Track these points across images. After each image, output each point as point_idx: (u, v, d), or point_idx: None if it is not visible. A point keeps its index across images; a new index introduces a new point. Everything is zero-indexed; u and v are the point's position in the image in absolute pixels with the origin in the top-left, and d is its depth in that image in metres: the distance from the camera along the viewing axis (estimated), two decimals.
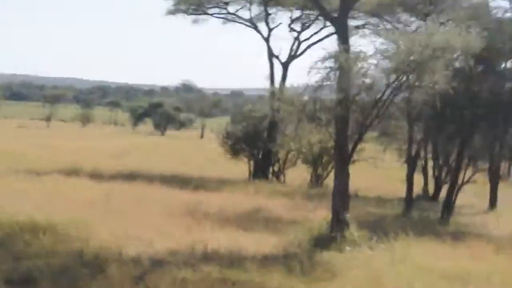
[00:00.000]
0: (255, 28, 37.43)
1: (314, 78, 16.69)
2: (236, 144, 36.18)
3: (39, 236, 14.23)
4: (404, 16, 33.21)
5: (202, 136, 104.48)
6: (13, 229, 14.58)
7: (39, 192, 21.00)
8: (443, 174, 31.79)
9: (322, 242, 15.74)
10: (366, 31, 34.26)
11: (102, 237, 14.64)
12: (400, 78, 16.81)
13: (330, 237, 15.98)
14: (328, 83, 16.74)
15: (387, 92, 17.06)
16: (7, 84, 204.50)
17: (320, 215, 18.87)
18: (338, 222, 16.55)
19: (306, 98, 17.38)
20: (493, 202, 31.47)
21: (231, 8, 38.09)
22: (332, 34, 30.00)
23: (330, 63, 16.58)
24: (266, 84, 36.23)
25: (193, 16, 38.46)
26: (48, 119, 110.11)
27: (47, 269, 11.72)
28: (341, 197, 16.99)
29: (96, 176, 27.16)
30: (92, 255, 12.90)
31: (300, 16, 37.34)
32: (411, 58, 16.38)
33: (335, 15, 17.98)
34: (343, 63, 16.26)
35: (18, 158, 33.15)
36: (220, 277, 12.10)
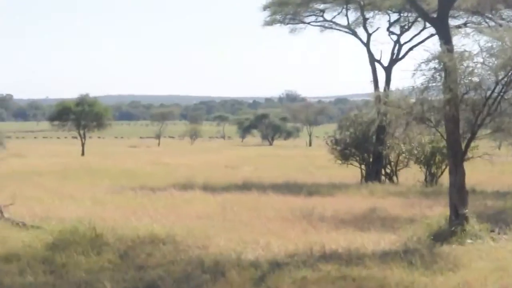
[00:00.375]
0: (354, 34, 37.22)
1: (419, 80, 16.57)
2: (346, 150, 36.11)
3: (160, 247, 14.66)
4: (507, 12, 32.48)
5: (310, 144, 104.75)
6: (134, 242, 15.06)
7: (156, 207, 21.61)
8: None
9: (442, 236, 15.55)
10: (468, 30, 33.50)
11: (220, 245, 14.95)
12: (509, 74, 16.51)
13: (450, 232, 15.78)
14: (434, 84, 16.61)
15: (497, 89, 16.77)
16: (116, 105, 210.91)
17: (437, 212, 18.67)
18: (457, 217, 16.34)
19: (413, 100, 17.24)
20: None
21: (327, 15, 37.99)
22: (433, 35, 29.64)
23: (434, 64, 16.42)
24: (370, 88, 35.95)
25: (290, 26, 38.62)
26: (158, 137, 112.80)
27: (169, 277, 12.08)
28: (459, 193, 16.75)
29: (210, 188, 27.71)
30: (212, 261, 13.19)
31: (399, 18, 36.94)
32: None
33: (434, 15, 17.80)
34: (448, 63, 16.08)
35: (133, 176, 34.21)
36: (340, 275, 12.19)
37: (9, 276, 12.21)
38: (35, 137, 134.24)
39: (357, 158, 36.04)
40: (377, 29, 36.84)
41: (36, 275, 12.35)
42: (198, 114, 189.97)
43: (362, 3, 36.15)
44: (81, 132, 72.91)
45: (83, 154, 66.36)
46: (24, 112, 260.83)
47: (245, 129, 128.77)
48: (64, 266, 13.02)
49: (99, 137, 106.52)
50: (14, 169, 34.97)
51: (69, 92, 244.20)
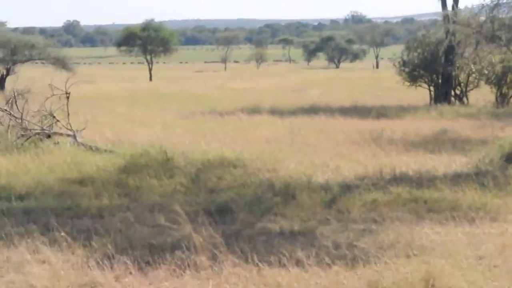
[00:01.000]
0: None
1: None
2: (414, 71, 35.60)
3: (230, 170, 14.82)
4: None
5: (377, 66, 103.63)
6: (205, 165, 15.22)
7: (225, 130, 21.77)
8: None
9: None
10: None
11: (290, 168, 15.04)
12: None
13: None
14: (505, 1, 16.11)
15: None
16: (181, 30, 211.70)
17: (510, 133, 18.45)
18: None
19: (482, 18, 16.76)
20: None
21: None
22: None
23: None
24: (438, 8, 35.05)
25: None
26: (223, 61, 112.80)
27: (241, 199, 12.20)
28: None
29: (277, 112, 27.71)
30: (282, 184, 13.28)
31: None
32: None
33: None
34: None
35: (201, 101, 34.45)
36: (411, 197, 12.18)
37: (86, 199, 12.52)
38: (99, 63, 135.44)
39: (426, 80, 35.52)
40: None
41: (111, 198, 12.63)
42: (263, 37, 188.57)
43: None
44: (148, 57, 73.29)
45: (150, 79, 66.96)
46: (91, 38, 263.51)
47: (310, 52, 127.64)
48: (138, 189, 13.29)
49: (164, 63, 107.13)
50: (84, 95, 35.41)
51: (134, 17, 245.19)
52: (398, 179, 13.72)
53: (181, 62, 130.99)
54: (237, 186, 13.48)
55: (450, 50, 32.40)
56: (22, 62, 48.96)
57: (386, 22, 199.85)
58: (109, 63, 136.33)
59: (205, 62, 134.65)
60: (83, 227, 10.91)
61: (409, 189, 12.64)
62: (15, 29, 78.95)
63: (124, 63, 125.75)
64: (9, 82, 40.85)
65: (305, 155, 16.53)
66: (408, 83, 35.95)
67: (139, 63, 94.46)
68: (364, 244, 9.50)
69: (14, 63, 47.61)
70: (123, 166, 15.13)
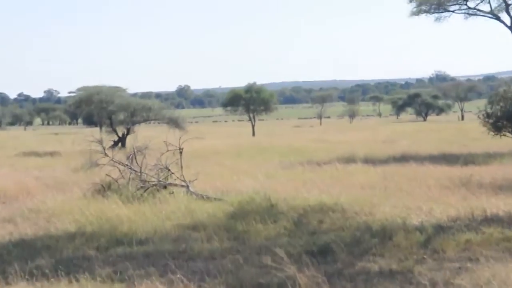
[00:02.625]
0: (497, 18, 35.46)
1: None
2: (498, 122, 34.65)
3: (329, 214, 14.59)
4: None
5: (462, 118, 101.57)
6: (306, 210, 15.06)
7: (323, 179, 21.50)
8: None
9: None
10: None
11: (385, 211, 14.68)
12: None
13: None
14: None
15: None
16: (280, 91, 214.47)
17: None
18: None
19: None
20: None
21: (471, 3, 36.50)
22: None
23: None
24: None
25: (435, 15, 37.33)
26: (319, 116, 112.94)
27: (340, 241, 11.93)
28: None
29: (370, 161, 27.27)
30: (379, 226, 12.97)
31: None
32: None
33: None
34: None
35: (300, 152, 34.32)
36: (503, 237, 11.69)
37: (199, 242, 12.51)
38: (196, 122, 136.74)
39: (510, 129, 34.46)
40: None
41: (221, 241, 12.58)
42: (355, 95, 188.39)
43: None
44: (251, 115, 74.04)
45: (253, 134, 67.48)
46: (201, 100, 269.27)
47: (399, 108, 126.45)
48: (245, 233, 13.20)
49: (263, 120, 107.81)
50: (195, 150, 35.84)
51: (238, 81, 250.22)
52: (490, 220, 13.21)
53: (277, 119, 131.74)
54: (337, 229, 13.24)
55: None
56: (140, 122, 50.10)
57: (468, 80, 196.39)
58: (213, 121, 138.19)
59: (299, 118, 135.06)
60: (197, 268, 10.86)
61: (501, 229, 12.15)
62: (135, 94, 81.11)
63: (226, 121, 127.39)
64: (129, 140, 41.82)
65: (399, 200, 16.12)
66: (493, 133, 34.95)
67: (239, 120, 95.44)
68: (461, 281, 9.09)
69: (133, 123, 48.75)
70: (232, 212, 15.13)
